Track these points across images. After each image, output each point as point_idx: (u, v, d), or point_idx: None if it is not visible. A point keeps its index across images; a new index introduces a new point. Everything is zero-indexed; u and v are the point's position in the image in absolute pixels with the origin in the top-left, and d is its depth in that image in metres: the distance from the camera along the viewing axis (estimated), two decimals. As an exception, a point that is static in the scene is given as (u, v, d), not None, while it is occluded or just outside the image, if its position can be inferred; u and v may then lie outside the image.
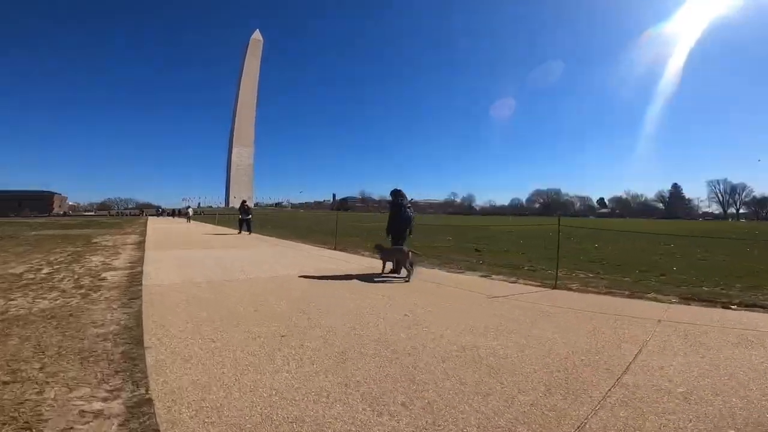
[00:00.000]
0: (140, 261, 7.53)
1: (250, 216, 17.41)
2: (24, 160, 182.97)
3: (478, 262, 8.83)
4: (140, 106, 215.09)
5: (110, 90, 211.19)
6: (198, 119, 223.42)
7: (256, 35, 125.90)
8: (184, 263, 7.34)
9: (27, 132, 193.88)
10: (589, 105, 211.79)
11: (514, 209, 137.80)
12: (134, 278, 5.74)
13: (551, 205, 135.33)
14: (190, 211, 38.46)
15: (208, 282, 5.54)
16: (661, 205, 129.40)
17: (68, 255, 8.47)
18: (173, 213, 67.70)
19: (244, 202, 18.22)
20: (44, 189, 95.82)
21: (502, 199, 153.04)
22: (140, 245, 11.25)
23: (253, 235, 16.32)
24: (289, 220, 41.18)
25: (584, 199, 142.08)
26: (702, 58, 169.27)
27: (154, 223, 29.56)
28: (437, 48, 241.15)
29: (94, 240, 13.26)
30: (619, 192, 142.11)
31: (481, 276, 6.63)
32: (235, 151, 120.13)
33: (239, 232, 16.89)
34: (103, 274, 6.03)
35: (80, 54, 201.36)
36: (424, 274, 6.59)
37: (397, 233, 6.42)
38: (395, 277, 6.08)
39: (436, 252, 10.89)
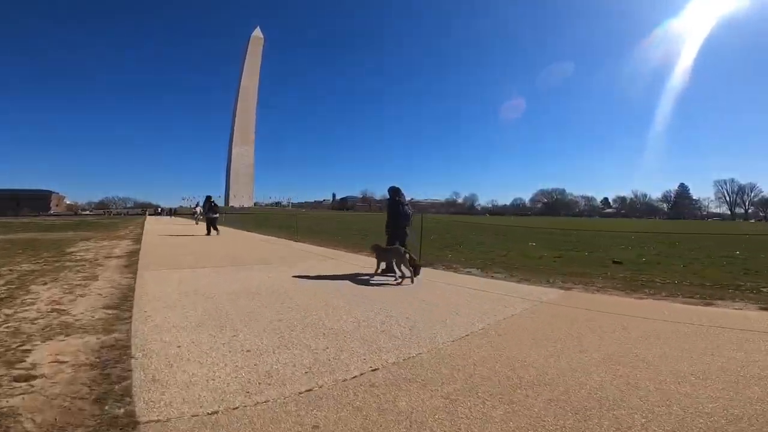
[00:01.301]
0: (127, 301, 3.97)
1: (218, 215, 15.32)
2: (23, 160, 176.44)
3: (687, 283, 5.64)
4: (140, 104, 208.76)
5: (109, 88, 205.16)
6: (198, 117, 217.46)
7: (257, 33, 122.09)
8: (221, 307, 3.79)
9: (26, 131, 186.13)
10: (595, 105, 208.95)
11: (516, 209, 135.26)
12: (105, 384, 2.18)
13: (555, 204, 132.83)
14: (199, 209, 27.47)
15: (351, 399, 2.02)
16: (665, 205, 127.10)
17: (1, 285, 4.86)
18: (171, 212, 60.48)
19: (209, 198, 15.59)
20: (43, 188, 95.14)
21: (505, 199, 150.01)
22: (132, 258, 7.68)
23: (283, 241, 12.84)
24: (301, 220, 36.92)
25: (588, 199, 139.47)
26: (710, 56, 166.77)
27: (152, 224, 25.43)
28: (440, 47, 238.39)
29: (70, 249, 9.62)
30: (623, 192, 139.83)
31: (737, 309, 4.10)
32: (235, 149, 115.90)
33: (207, 234, 14.68)
34: (29, 358, 2.47)
35: (80, 52, 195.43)
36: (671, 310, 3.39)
37: (396, 231, 6.13)
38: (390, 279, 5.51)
39: (560, 266, 7.49)
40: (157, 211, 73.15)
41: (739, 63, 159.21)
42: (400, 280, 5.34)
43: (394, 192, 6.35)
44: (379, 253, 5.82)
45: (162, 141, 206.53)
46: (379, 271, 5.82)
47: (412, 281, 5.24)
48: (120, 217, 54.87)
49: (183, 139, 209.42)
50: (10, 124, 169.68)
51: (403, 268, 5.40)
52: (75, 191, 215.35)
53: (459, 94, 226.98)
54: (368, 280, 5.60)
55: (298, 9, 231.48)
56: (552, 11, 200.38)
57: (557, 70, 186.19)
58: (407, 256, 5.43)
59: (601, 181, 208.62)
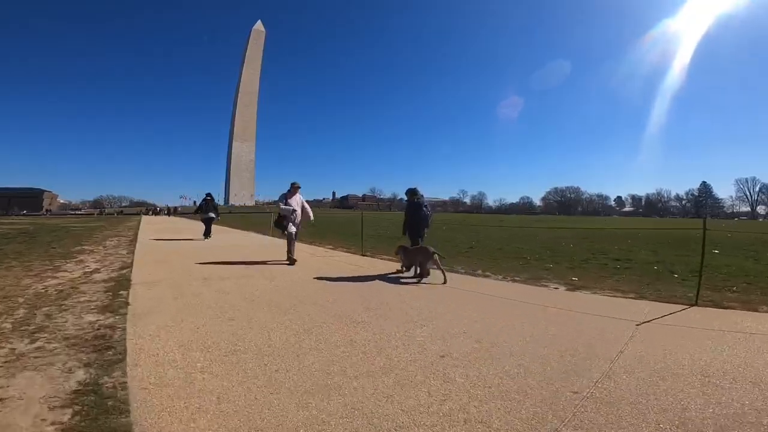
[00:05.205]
0: None
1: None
2: (18, 158, 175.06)
3: None
4: (137, 101, 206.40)
5: (106, 85, 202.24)
6: (197, 114, 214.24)
7: (258, 26, 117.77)
8: None
9: (21, 130, 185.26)
10: (600, 104, 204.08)
11: (524, 208, 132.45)
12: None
13: (569, 203, 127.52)
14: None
15: None
16: (679, 204, 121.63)
17: None
18: (170, 211, 50.11)
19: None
20: (35, 187, 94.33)
21: (512, 198, 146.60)
22: None
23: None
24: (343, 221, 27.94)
25: (601, 198, 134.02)
26: (716, 54, 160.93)
27: (153, 229, 16.16)
28: (445, 45, 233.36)
29: None
30: (636, 191, 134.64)
31: None
32: (235, 146, 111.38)
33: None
34: None
35: (77, 50, 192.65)
36: None
37: (415, 232, 6.18)
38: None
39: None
40: (155, 211, 65.69)
41: (753, 57, 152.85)
42: (419, 279, 5.41)
43: (412, 194, 6.32)
44: (407, 255, 5.78)
45: (160, 139, 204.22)
46: (403, 269, 5.92)
47: (445, 281, 5.21)
48: (111, 217, 45.98)
49: (181, 136, 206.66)
50: (8, 124, 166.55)
51: (425, 268, 5.42)
52: (73, 190, 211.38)
53: (466, 93, 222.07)
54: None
55: (301, 6, 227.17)
56: (567, 6, 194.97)
57: (558, 68, 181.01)
58: (435, 256, 5.42)
59: (601, 180, 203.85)
